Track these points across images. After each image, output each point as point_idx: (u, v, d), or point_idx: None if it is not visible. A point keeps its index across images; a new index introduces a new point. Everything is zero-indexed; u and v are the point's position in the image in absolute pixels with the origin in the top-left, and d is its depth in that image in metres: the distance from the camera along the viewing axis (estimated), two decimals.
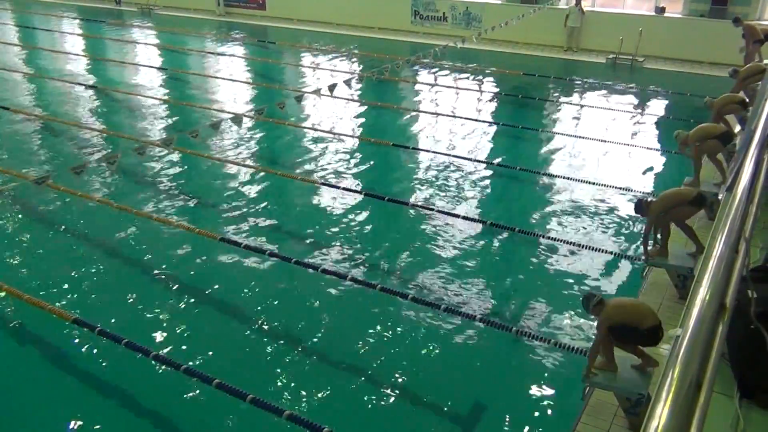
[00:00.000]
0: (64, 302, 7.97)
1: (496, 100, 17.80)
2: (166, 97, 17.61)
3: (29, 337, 7.65)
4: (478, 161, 12.84)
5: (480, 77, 19.89)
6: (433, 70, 20.28)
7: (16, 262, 9.16)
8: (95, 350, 7.23)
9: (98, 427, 6.25)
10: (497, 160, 12.82)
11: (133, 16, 29.66)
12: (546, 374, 6.98)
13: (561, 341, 7.21)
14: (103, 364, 7.08)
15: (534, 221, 10.47)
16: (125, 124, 15.44)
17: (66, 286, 8.53)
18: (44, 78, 19.27)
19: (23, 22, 28.71)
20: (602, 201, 11.06)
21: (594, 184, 11.62)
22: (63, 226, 10.24)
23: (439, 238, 9.78)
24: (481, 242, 9.74)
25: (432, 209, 10.61)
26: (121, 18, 29.55)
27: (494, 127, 15.24)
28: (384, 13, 25.50)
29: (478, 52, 21.76)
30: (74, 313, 7.57)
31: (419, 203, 10.96)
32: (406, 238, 10.01)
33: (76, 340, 7.38)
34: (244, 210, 10.71)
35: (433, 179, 12.03)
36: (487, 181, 12.09)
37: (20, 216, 10.64)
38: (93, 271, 8.96)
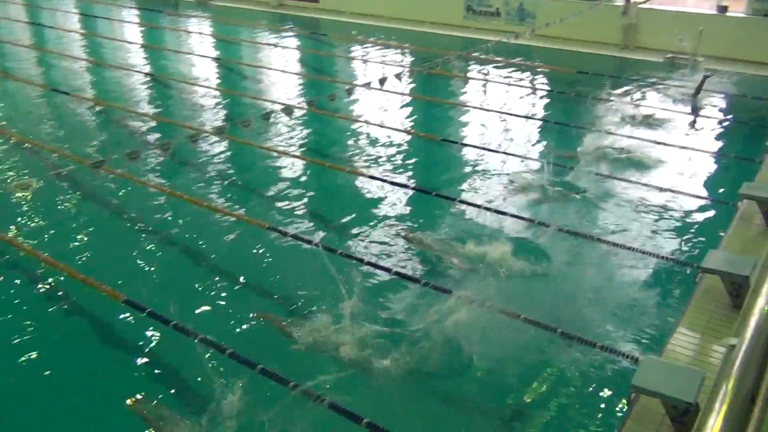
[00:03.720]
0: (117, 283, 8.19)
1: (547, 96, 17.54)
2: (219, 87, 17.93)
3: (82, 316, 7.92)
4: (529, 158, 12.67)
5: (532, 74, 19.62)
6: (485, 65, 20.08)
7: (71, 242, 9.45)
8: (144, 331, 7.43)
9: (147, 398, 6.43)
10: (547, 159, 12.56)
11: (189, 7, 30.25)
12: (591, 378, 6.85)
13: (607, 345, 7.08)
14: (151, 345, 7.28)
15: (590, 223, 10.16)
16: (179, 112, 15.78)
17: (118, 267, 8.77)
18: (102, 65, 19.86)
19: (83, 10, 29.57)
20: (662, 206, 10.68)
21: (649, 186, 11.33)
22: (117, 210, 10.54)
23: (486, 236, 9.64)
24: (533, 243, 9.51)
25: (479, 206, 10.52)
26: (177, 8, 30.19)
27: (545, 125, 15.00)
28: (436, 8, 25.38)
29: (531, 48, 21.47)
30: (125, 294, 7.80)
31: (466, 199, 10.88)
32: (452, 233, 9.93)
33: (127, 321, 7.61)
34: (292, 200, 10.83)
35: (481, 175, 11.92)
36: (537, 181, 11.87)
37: (76, 198, 10.99)
38: (144, 254, 9.19)
